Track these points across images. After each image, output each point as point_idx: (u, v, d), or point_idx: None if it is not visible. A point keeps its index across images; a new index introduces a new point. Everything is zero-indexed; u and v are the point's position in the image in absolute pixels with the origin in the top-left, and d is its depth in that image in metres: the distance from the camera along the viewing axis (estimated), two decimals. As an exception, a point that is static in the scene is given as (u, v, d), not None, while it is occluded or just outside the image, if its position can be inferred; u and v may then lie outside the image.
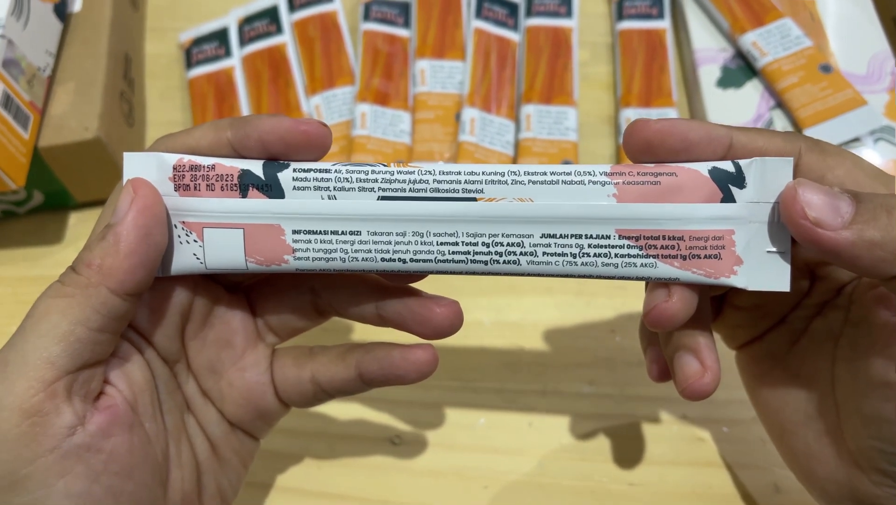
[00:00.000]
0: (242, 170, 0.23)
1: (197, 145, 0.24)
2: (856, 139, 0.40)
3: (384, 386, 0.27)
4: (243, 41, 0.49)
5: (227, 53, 0.48)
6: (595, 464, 0.35)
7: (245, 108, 0.46)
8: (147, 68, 0.50)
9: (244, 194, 0.23)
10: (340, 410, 0.37)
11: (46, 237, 0.43)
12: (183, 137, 0.24)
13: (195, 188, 0.23)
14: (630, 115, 0.44)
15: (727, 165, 0.22)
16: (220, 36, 0.49)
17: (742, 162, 0.22)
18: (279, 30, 0.49)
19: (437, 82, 0.46)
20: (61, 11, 0.43)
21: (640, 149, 0.23)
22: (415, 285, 0.27)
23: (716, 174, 0.22)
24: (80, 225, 0.44)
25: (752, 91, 0.43)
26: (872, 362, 0.24)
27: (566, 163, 0.42)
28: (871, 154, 0.40)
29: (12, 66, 0.37)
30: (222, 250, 0.23)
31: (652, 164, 0.22)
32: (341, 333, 0.38)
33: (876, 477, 0.24)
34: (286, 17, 0.49)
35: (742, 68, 0.44)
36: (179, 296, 0.25)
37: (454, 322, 0.26)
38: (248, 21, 0.49)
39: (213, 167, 0.23)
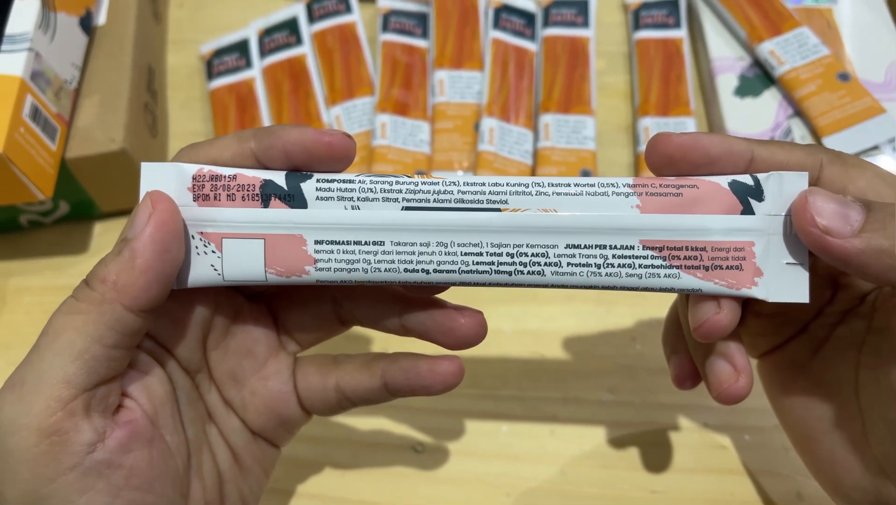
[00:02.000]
0: (265, 180, 0.23)
1: (220, 156, 0.24)
2: (875, 147, 0.40)
3: (409, 396, 0.27)
4: (263, 52, 0.49)
5: (248, 64, 0.49)
6: (617, 471, 0.35)
7: (266, 118, 0.46)
8: (169, 80, 0.51)
9: (266, 204, 0.23)
10: (363, 418, 0.37)
11: (72, 247, 0.44)
12: (206, 148, 0.24)
13: (215, 198, 0.23)
14: (648, 123, 0.44)
15: (746, 179, 0.23)
16: (241, 47, 0.50)
17: (760, 176, 0.23)
18: (299, 41, 0.49)
19: (456, 92, 0.46)
20: (86, 25, 0.43)
21: (663, 163, 0.23)
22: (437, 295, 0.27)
23: (736, 187, 0.23)
24: (104, 235, 0.44)
25: (770, 100, 0.43)
26: (895, 369, 0.24)
27: (585, 172, 0.43)
28: (891, 161, 0.40)
29: (40, 79, 0.38)
30: (241, 261, 0.23)
31: (673, 177, 0.23)
32: (364, 341, 0.39)
33: None
34: (306, 29, 0.50)
35: (760, 77, 0.44)
36: (201, 307, 0.25)
37: (479, 332, 0.26)
38: (268, 32, 0.50)
39: (234, 177, 0.23)
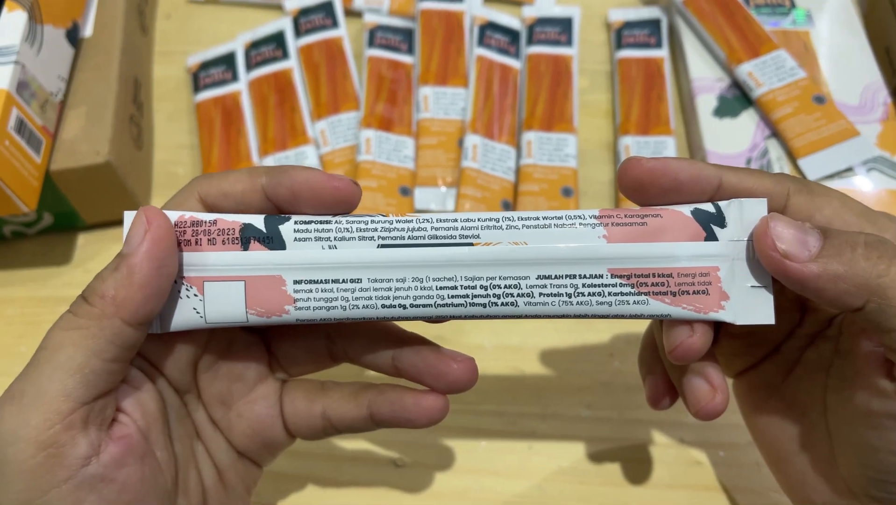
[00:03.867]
0: (244, 224, 0.24)
1: (231, 189, 0.24)
2: (849, 169, 0.41)
3: (394, 427, 0.27)
4: (250, 66, 0.50)
5: (234, 77, 0.49)
6: (594, 487, 0.35)
7: (251, 131, 0.47)
8: (155, 92, 0.51)
9: (245, 247, 0.24)
10: (344, 431, 0.37)
11: (55, 258, 0.44)
12: (219, 180, 0.24)
13: (196, 242, 0.24)
14: (629, 142, 0.45)
15: (708, 207, 0.23)
16: (228, 60, 0.50)
17: (721, 203, 0.23)
18: (285, 55, 0.50)
19: (440, 109, 0.47)
20: (73, 37, 0.43)
21: (633, 186, 0.24)
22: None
23: (698, 215, 0.23)
24: (88, 246, 0.44)
25: (748, 120, 0.44)
26: (857, 392, 0.24)
27: (566, 190, 0.43)
28: (865, 183, 0.41)
29: (25, 92, 0.38)
30: (223, 303, 0.24)
31: (638, 207, 0.24)
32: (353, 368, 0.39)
33: (869, 503, 0.25)
34: (292, 43, 0.50)
35: (738, 98, 0.45)
36: (196, 336, 0.26)
37: (470, 378, 0.26)
38: (254, 46, 0.50)
39: (214, 222, 0.24)
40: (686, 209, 0.23)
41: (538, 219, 0.23)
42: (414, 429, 0.27)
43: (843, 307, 0.22)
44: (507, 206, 0.43)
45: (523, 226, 0.23)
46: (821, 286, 0.22)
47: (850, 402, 0.25)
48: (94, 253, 0.44)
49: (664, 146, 0.45)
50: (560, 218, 0.23)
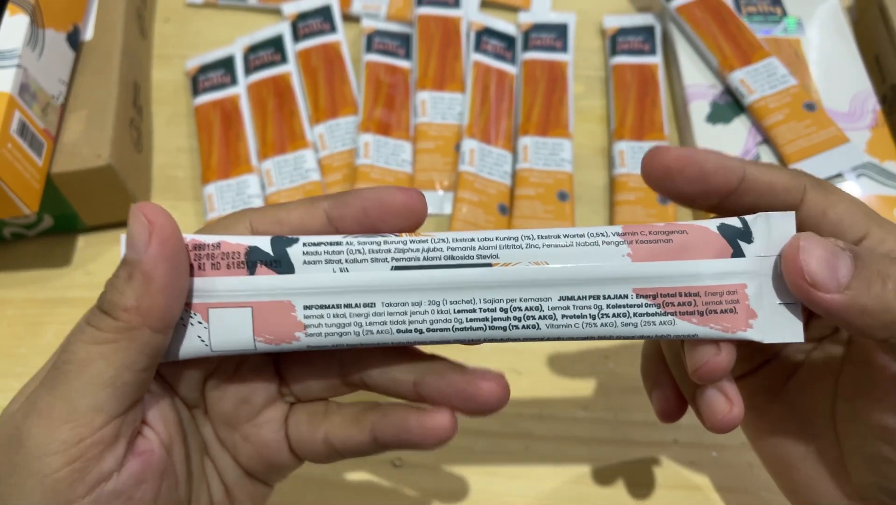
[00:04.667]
0: (250, 247, 0.23)
1: (287, 217, 0.24)
2: (839, 175, 0.42)
3: (400, 449, 0.26)
4: (248, 69, 0.50)
5: (233, 81, 0.49)
6: (590, 487, 0.36)
7: (251, 135, 0.47)
8: (154, 95, 0.51)
9: (252, 272, 0.23)
10: (343, 432, 0.38)
11: (55, 260, 0.44)
12: (273, 209, 0.24)
13: (199, 267, 0.23)
14: (623, 147, 0.46)
15: (734, 221, 0.23)
16: (226, 64, 0.50)
17: (748, 217, 0.23)
18: (284, 59, 0.50)
19: (438, 113, 0.47)
20: (74, 40, 0.44)
21: (660, 175, 0.24)
22: None
23: (724, 230, 0.23)
24: (88, 248, 0.45)
25: (740, 127, 0.45)
26: (874, 406, 0.24)
27: (561, 194, 0.44)
28: (855, 189, 0.42)
29: (27, 95, 0.38)
30: (229, 331, 0.23)
31: (662, 224, 0.23)
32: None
33: None
34: (290, 47, 0.51)
35: (731, 105, 0.46)
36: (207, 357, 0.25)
37: (501, 397, 0.24)
38: (253, 50, 0.51)
39: (218, 245, 0.23)
40: (712, 224, 0.23)
41: (559, 237, 0.23)
42: (420, 450, 0.25)
43: (870, 337, 0.22)
44: (504, 210, 0.44)
45: (544, 245, 0.23)
46: (847, 318, 0.21)
47: (864, 412, 0.25)
48: (94, 255, 0.44)
49: (658, 151, 0.45)
50: (582, 236, 0.23)
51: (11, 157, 0.36)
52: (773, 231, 0.22)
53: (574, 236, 0.23)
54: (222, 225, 0.24)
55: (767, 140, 0.44)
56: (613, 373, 0.39)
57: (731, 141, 0.45)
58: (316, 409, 0.27)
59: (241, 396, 0.26)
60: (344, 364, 0.26)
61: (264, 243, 0.23)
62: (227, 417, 0.26)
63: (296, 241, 0.23)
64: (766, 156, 0.44)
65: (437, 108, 0.47)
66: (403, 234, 0.23)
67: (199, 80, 0.50)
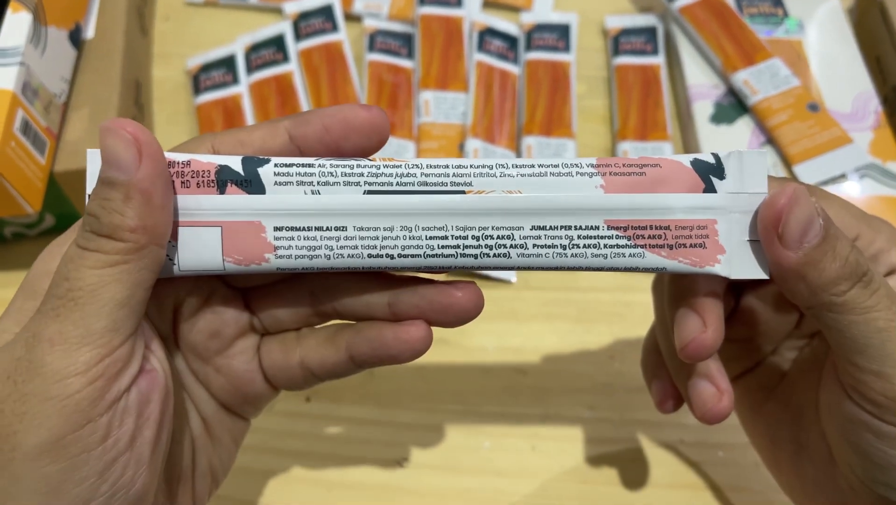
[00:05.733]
0: (220, 165, 0.22)
1: (249, 137, 0.23)
2: (842, 175, 0.42)
3: (377, 366, 0.26)
4: (250, 68, 0.50)
5: (235, 80, 0.49)
6: (595, 486, 0.36)
7: (253, 134, 0.47)
8: (154, 94, 0.51)
9: (222, 190, 0.22)
10: (349, 432, 0.38)
11: (56, 259, 0.44)
12: (235, 131, 0.23)
13: None
14: (626, 147, 0.46)
15: (708, 157, 0.23)
16: (228, 63, 0.50)
17: (721, 154, 0.23)
18: (286, 58, 0.50)
19: (441, 113, 0.47)
20: (76, 38, 0.43)
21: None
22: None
23: (698, 165, 0.23)
24: (89, 247, 0.44)
25: (743, 127, 0.45)
26: (833, 390, 0.25)
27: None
28: (857, 189, 0.42)
29: (30, 93, 0.38)
30: (198, 250, 0.22)
31: (636, 157, 0.23)
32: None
33: (872, 501, 0.25)
34: (292, 46, 0.50)
35: (734, 105, 0.46)
36: (176, 282, 0.25)
37: (478, 303, 0.24)
38: (254, 49, 0.51)
39: (188, 163, 0.22)
40: (686, 159, 0.23)
41: (533, 167, 0.23)
42: (398, 364, 0.25)
43: (794, 300, 0.23)
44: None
45: (518, 174, 0.22)
46: (786, 276, 0.22)
47: (839, 401, 0.25)
48: (95, 254, 0.44)
49: (661, 152, 0.45)
50: (556, 166, 0.23)
51: (14, 156, 0.36)
52: (745, 169, 0.23)
53: (548, 166, 0.23)
54: (185, 147, 0.23)
55: (771, 140, 0.44)
56: (619, 372, 0.39)
57: (734, 141, 0.45)
58: (288, 336, 0.27)
59: (211, 328, 0.26)
60: (315, 294, 0.26)
61: (235, 163, 0.22)
62: (198, 349, 0.26)
63: (267, 161, 0.22)
64: (770, 157, 0.44)
65: (441, 107, 0.47)
66: (377, 158, 0.23)
67: (200, 79, 0.50)
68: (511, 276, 0.42)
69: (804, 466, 0.28)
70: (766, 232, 0.22)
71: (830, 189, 0.42)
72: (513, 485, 0.36)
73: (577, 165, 0.23)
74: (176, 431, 0.25)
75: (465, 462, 0.37)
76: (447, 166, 0.22)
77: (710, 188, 0.23)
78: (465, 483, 0.36)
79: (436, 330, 0.27)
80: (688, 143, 0.47)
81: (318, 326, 0.27)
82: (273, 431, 0.37)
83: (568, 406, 0.38)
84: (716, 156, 0.23)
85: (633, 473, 0.36)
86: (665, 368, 0.29)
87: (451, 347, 0.40)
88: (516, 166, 0.23)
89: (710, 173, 0.23)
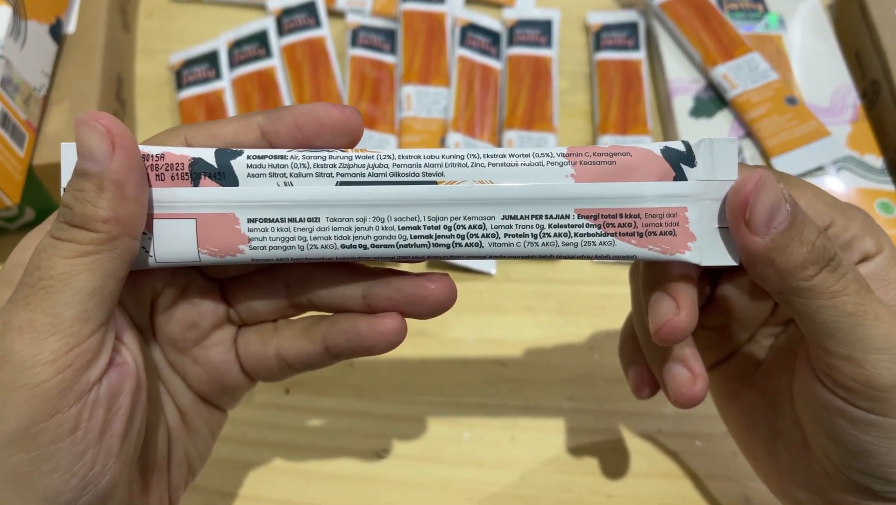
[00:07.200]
0: (193, 158, 0.22)
1: (221, 131, 0.23)
2: (820, 168, 0.43)
3: (352, 358, 0.26)
4: (233, 64, 0.50)
5: (218, 76, 0.49)
6: (575, 476, 0.36)
7: (235, 129, 0.47)
8: (137, 89, 0.51)
9: (196, 183, 0.22)
10: (329, 423, 0.38)
11: (36, 253, 0.44)
12: (208, 124, 0.23)
13: None
14: (607, 141, 0.46)
15: (678, 145, 0.23)
16: (211, 58, 0.50)
17: (692, 142, 0.23)
18: (268, 54, 0.50)
19: (423, 107, 0.47)
20: (56, 33, 0.43)
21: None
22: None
23: (668, 153, 0.23)
24: (70, 242, 0.44)
25: (722, 121, 0.45)
26: (802, 375, 0.25)
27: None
28: (835, 182, 0.42)
29: (9, 86, 0.38)
30: (173, 242, 0.23)
31: (607, 146, 0.23)
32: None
33: (846, 486, 0.25)
34: (275, 42, 0.51)
35: (713, 99, 0.46)
36: (153, 274, 0.25)
37: (451, 295, 0.25)
38: (237, 44, 0.51)
39: (162, 156, 0.22)
40: (656, 147, 0.23)
41: (504, 156, 0.23)
42: (372, 356, 0.25)
43: (764, 286, 0.23)
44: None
45: (489, 164, 0.23)
46: (754, 262, 0.23)
47: (812, 388, 0.25)
48: (76, 249, 0.44)
49: (641, 144, 0.46)
50: (528, 156, 0.23)
51: (-7, 148, 0.36)
52: (715, 156, 0.23)
53: (519, 156, 0.23)
54: (158, 140, 0.24)
55: (750, 134, 0.44)
56: (599, 364, 0.39)
57: (714, 135, 0.45)
58: (264, 327, 0.27)
59: (188, 319, 0.26)
60: (290, 286, 0.26)
61: (208, 155, 0.23)
62: (175, 341, 0.26)
63: (240, 153, 0.23)
64: (749, 149, 0.44)
65: (423, 102, 0.47)
66: (349, 149, 0.23)
67: (183, 75, 0.50)
68: (491, 268, 0.42)
69: (780, 453, 0.28)
70: (733, 217, 0.23)
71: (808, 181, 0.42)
72: (493, 475, 0.36)
73: (547, 155, 0.23)
74: (151, 422, 0.25)
75: (446, 453, 0.37)
76: (419, 157, 0.23)
77: (680, 176, 0.23)
78: (445, 474, 0.36)
79: (416, 322, 0.27)
80: (668, 137, 0.47)
81: (295, 318, 0.27)
82: (253, 422, 0.37)
83: (548, 397, 0.38)
84: (686, 144, 0.23)
85: (613, 462, 0.36)
86: (642, 354, 0.29)
87: (431, 338, 0.40)
88: (487, 156, 0.23)
89: (680, 161, 0.23)
